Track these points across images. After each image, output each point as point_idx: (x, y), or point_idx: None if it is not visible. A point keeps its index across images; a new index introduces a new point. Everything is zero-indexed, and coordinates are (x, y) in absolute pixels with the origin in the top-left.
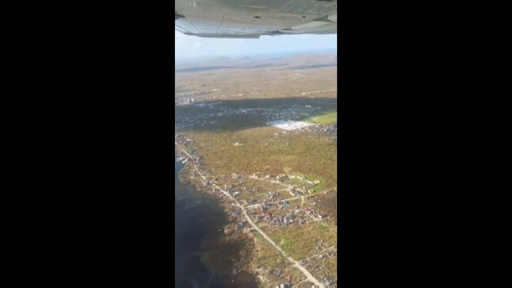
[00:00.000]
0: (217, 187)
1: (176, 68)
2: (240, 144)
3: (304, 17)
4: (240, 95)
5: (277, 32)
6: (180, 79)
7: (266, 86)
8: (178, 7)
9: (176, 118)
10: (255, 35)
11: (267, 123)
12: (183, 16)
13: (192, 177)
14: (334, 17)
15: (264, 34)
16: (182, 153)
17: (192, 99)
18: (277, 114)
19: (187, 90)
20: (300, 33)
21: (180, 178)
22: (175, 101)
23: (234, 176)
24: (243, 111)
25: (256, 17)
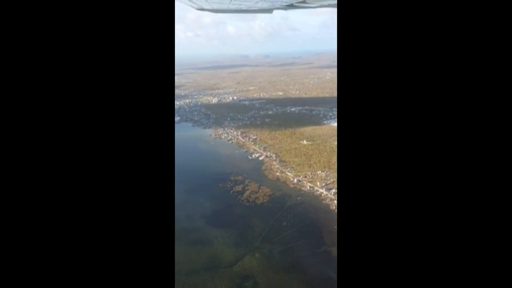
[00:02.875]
0: (310, 184)
1: (199, 65)
2: (309, 143)
3: None
4: (280, 93)
5: (291, 6)
6: (210, 77)
7: (302, 84)
8: None
9: (228, 115)
10: (269, 10)
11: (325, 122)
12: None
13: (278, 173)
14: None
15: (277, 8)
16: (254, 150)
17: (235, 97)
18: (330, 114)
19: (223, 88)
20: (315, 7)
21: (267, 174)
22: (218, 98)
23: (321, 173)
24: (293, 109)
25: None
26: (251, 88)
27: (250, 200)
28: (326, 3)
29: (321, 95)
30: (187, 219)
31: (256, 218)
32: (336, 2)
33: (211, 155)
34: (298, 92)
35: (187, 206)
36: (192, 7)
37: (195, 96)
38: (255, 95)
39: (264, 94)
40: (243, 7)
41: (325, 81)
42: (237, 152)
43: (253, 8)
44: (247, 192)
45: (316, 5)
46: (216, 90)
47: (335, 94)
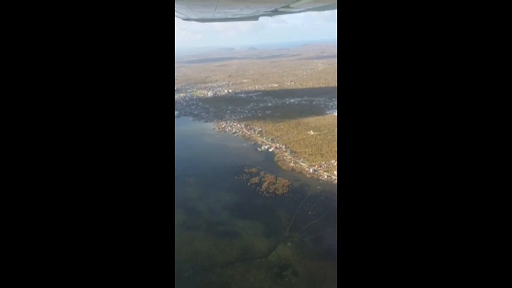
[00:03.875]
0: (327, 174)
1: (186, 59)
2: (316, 133)
3: None
4: (275, 85)
5: (276, 12)
6: (199, 70)
7: (295, 76)
8: None
9: (228, 108)
10: (254, 17)
11: (327, 112)
12: None
13: (292, 164)
14: None
15: (262, 15)
16: (262, 142)
17: (230, 90)
18: (331, 104)
19: (216, 81)
20: (299, 11)
21: (280, 165)
22: (213, 92)
23: (335, 163)
24: (292, 100)
25: None
26: (245, 81)
27: (270, 191)
28: (311, 6)
29: (317, 86)
30: (210, 212)
31: (280, 209)
32: (319, 5)
33: (219, 148)
34: (293, 83)
35: (207, 199)
36: (179, 17)
37: (189, 90)
38: (250, 88)
39: (259, 86)
40: (229, 15)
41: (319, 72)
42: (244, 144)
43: (239, 16)
44: (265, 184)
45: (300, 10)
46: (209, 84)
47: (331, 84)
